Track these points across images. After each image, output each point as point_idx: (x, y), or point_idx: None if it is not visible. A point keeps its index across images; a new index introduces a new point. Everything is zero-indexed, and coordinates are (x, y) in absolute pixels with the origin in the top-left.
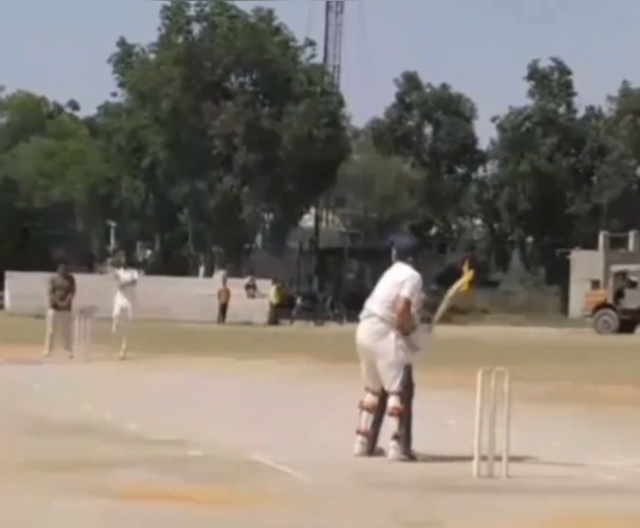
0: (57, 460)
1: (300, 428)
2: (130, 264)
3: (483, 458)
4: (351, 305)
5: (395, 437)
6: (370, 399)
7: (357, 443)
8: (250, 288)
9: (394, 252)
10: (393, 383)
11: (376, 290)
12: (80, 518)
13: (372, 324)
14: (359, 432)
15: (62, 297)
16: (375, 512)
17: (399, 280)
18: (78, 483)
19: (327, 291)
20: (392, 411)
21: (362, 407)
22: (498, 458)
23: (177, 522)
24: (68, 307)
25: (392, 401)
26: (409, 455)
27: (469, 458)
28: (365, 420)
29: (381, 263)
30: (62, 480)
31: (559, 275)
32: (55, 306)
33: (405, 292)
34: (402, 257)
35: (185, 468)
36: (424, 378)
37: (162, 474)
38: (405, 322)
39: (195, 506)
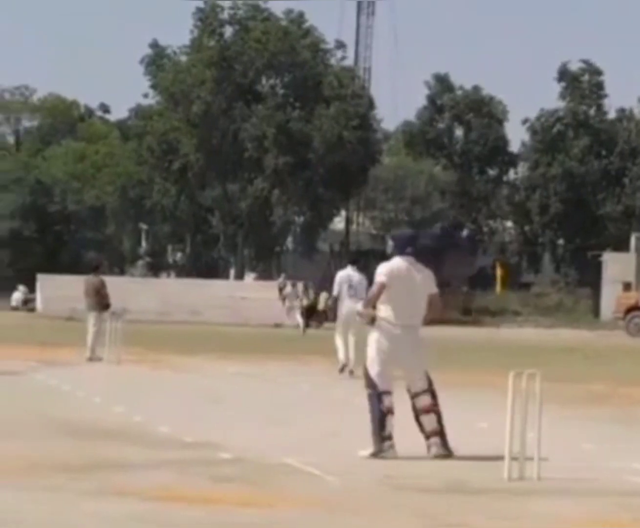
0: (86, 462)
1: (330, 431)
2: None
3: (514, 459)
4: None
5: (436, 433)
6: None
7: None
8: (306, 291)
9: (391, 244)
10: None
11: (407, 300)
12: (109, 520)
13: (416, 334)
14: (390, 437)
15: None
16: (404, 515)
17: (427, 288)
18: (107, 485)
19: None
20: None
21: (390, 411)
22: (529, 460)
23: (206, 524)
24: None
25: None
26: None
27: (500, 460)
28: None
29: None
30: (92, 482)
31: (591, 277)
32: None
33: (435, 289)
34: (401, 249)
35: (215, 470)
36: (455, 379)
37: (191, 476)
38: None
39: (224, 508)
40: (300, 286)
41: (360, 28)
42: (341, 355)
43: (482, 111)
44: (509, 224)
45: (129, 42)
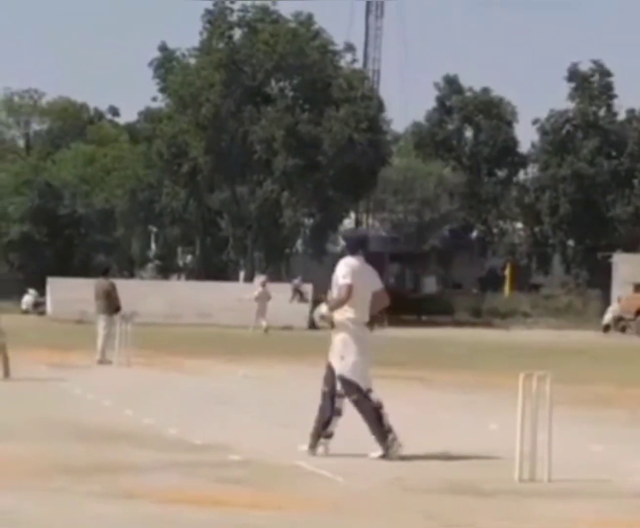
0: (94, 464)
1: (339, 432)
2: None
3: (525, 461)
4: (391, 309)
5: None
6: None
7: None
8: (297, 292)
9: (343, 244)
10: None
11: (365, 300)
12: (114, 522)
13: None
14: (391, 430)
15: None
16: (413, 517)
17: (374, 285)
18: (114, 487)
19: None
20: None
21: (380, 406)
22: (539, 462)
23: (215, 526)
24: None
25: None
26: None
27: (510, 462)
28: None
29: (422, 266)
30: (98, 485)
31: (601, 278)
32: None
33: (381, 285)
34: (353, 249)
35: (225, 472)
36: (465, 380)
37: (200, 478)
38: None
39: (233, 510)
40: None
41: (369, 30)
42: None
43: (492, 113)
44: (519, 225)
45: (137, 45)
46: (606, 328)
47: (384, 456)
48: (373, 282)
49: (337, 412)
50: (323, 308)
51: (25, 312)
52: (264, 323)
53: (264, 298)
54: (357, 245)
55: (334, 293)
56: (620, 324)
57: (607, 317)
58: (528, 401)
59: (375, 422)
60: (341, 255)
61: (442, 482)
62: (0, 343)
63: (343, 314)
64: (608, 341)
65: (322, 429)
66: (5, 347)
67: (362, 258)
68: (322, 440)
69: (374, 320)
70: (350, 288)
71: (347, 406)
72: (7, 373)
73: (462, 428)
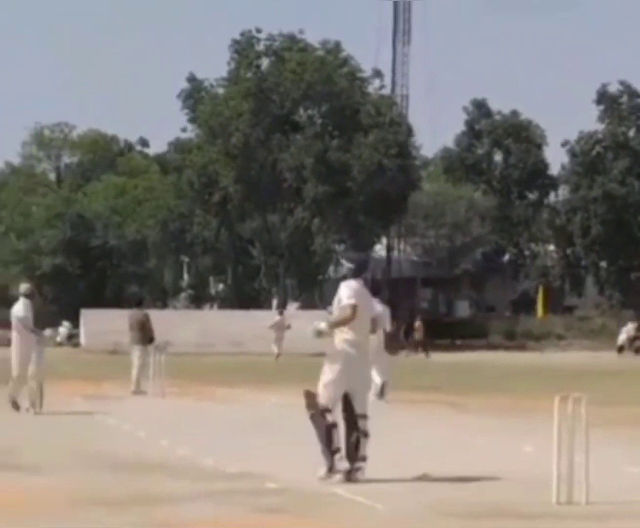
0: (129, 496)
1: (373, 459)
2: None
3: (561, 483)
4: (426, 334)
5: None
6: None
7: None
8: None
9: (348, 266)
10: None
11: (365, 322)
12: None
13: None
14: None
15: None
16: None
17: (371, 310)
18: (148, 519)
19: (400, 320)
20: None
21: (334, 426)
22: (576, 484)
23: None
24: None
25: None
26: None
27: (546, 484)
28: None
29: (454, 291)
30: (133, 516)
31: (635, 299)
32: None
33: (375, 312)
34: (357, 272)
35: (261, 501)
36: (500, 404)
37: (237, 507)
38: None
39: None
40: None
41: (396, 56)
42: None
43: (521, 136)
44: (551, 247)
45: (166, 76)
46: (620, 349)
47: (329, 471)
48: (370, 307)
49: (364, 434)
50: (322, 324)
51: (59, 344)
52: (275, 350)
53: (281, 326)
54: (360, 269)
55: (336, 314)
56: (634, 344)
57: (622, 338)
58: (564, 424)
59: (325, 440)
60: (343, 278)
61: (480, 506)
62: (40, 376)
63: (340, 335)
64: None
65: (329, 446)
66: (43, 380)
67: (362, 282)
68: (358, 464)
69: None
70: (355, 308)
71: (374, 428)
72: (39, 405)
73: (498, 451)
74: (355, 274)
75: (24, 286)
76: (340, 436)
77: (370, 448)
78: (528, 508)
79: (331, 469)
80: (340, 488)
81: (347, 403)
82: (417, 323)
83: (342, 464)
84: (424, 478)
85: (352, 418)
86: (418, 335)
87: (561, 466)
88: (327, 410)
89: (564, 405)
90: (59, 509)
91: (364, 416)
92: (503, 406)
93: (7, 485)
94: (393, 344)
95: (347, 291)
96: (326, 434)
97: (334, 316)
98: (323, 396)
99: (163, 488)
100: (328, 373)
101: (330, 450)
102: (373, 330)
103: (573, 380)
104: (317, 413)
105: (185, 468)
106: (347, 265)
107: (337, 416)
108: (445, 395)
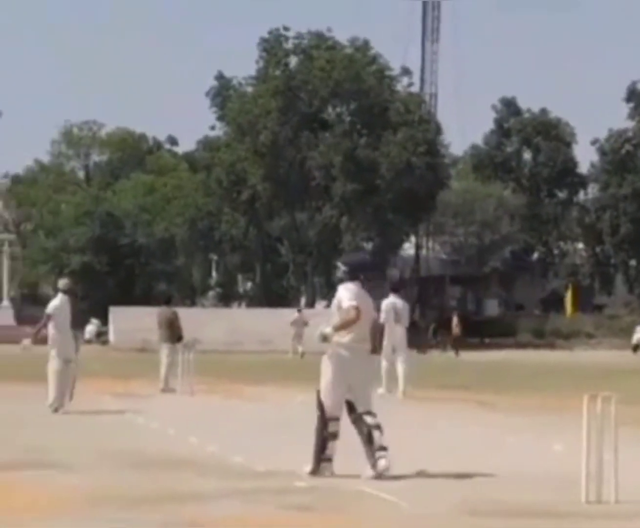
0: (159, 493)
1: (403, 455)
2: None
3: (591, 482)
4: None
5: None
6: None
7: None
8: None
9: (343, 269)
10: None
11: (365, 325)
12: None
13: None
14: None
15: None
16: None
17: (371, 313)
18: (177, 517)
19: (429, 319)
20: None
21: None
22: (606, 483)
23: None
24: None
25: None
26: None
27: (576, 483)
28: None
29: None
30: (162, 514)
31: None
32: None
33: (374, 315)
34: (353, 275)
35: (290, 499)
36: (529, 402)
37: (266, 505)
38: None
39: None
40: None
41: (425, 54)
42: (384, 383)
43: (550, 134)
44: (580, 246)
45: (195, 74)
46: (635, 348)
47: (312, 473)
48: (370, 309)
49: (376, 427)
50: (327, 329)
51: (88, 342)
52: (300, 348)
53: (299, 323)
54: (356, 271)
55: (336, 318)
56: None
57: (636, 337)
58: (593, 423)
59: (319, 445)
60: (340, 281)
61: (508, 504)
62: (73, 372)
63: (339, 338)
64: None
65: (320, 453)
66: (75, 378)
67: (360, 284)
68: (378, 454)
69: (375, 350)
70: (359, 310)
71: (401, 425)
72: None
73: (527, 449)
74: (352, 276)
75: (62, 282)
76: (336, 447)
77: (397, 445)
78: (557, 507)
79: (314, 472)
80: (368, 486)
81: (351, 407)
82: (455, 319)
83: (326, 472)
84: (421, 474)
85: (359, 418)
86: (456, 330)
87: (590, 465)
88: (333, 419)
89: (593, 404)
90: (88, 507)
91: (369, 413)
92: (532, 405)
93: (36, 482)
94: (422, 344)
95: (346, 294)
96: (322, 441)
97: (335, 319)
98: (326, 404)
99: (191, 486)
100: (323, 379)
101: (319, 456)
102: (373, 331)
103: (602, 378)
104: (320, 419)
105: (214, 465)
106: (342, 268)
107: (344, 419)
108: (474, 394)
